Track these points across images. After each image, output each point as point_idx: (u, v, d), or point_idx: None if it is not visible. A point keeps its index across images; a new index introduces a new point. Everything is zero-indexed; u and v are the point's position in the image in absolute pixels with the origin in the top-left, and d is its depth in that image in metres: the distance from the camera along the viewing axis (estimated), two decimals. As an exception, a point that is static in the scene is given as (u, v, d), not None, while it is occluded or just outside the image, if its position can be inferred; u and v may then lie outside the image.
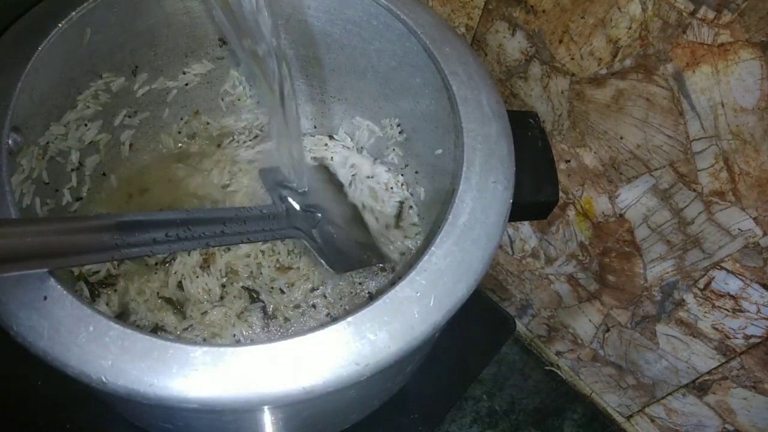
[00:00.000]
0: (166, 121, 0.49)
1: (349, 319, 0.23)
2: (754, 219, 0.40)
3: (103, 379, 0.21)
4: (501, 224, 0.28)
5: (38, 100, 0.33)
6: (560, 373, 0.65)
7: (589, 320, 0.58)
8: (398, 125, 0.48)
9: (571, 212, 0.52)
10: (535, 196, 0.32)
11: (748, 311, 0.44)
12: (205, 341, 0.38)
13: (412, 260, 0.27)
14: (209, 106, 0.51)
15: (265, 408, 0.25)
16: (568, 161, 0.49)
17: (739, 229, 0.42)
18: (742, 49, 0.35)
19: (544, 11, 0.44)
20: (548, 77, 0.47)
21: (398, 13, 0.38)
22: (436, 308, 0.24)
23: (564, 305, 0.60)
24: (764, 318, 0.44)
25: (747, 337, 0.46)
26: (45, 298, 0.22)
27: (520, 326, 0.66)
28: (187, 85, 0.48)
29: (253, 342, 0.23)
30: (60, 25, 0.33)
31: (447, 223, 0.27)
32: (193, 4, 0.43)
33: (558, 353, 0.65)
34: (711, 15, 0.36)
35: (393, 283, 0.25)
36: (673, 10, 0.37)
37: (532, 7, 0.44)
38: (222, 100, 0.51)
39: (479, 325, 0.57)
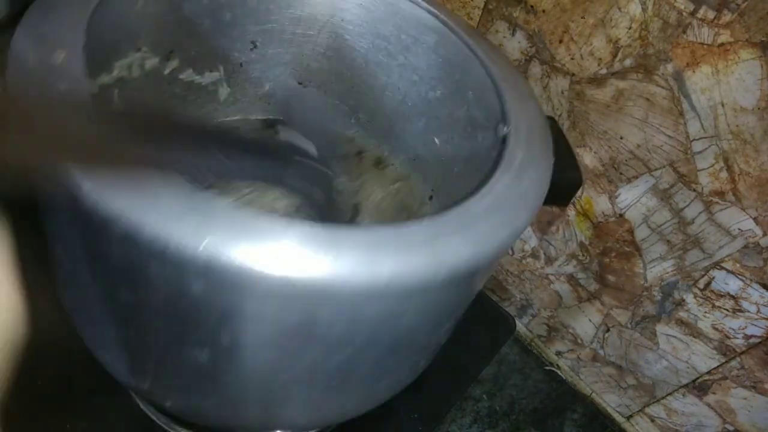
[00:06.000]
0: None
1: (425, 221, 0.23)
2: (754, 219, 0.40)
3: (184, 241, 0.19)
4: (549, 169, 0.30)
5: (91, 51, 0.32)
6: (560, 373, 0.65)
7: (589, 320, 0.58)
8: (408, 143, 0.48)
9: (571, 212, 0.52)
10: (560, 177, 0.34)
11: (748, 311, 0.44)
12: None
13: (470, 191, 0.28)
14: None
15: (326, 315, 0.24)
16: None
17: (739, 229, 0.42)
18: (742, 49, 0.35)
19: (544, 11, 0.44)
20: (548, 77, 0.47)
21: (434, 26, 0.39)
22: (501, 227, 0.25)
23: (564, 305, 0.60)
24: (764, 318, 0.44)
25: (747, 337, 0.46)
26: (125, 160, 0.21)
27: (520, 326, 0.66)
28: (211, 82, 0.47)
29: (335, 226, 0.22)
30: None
31: (503, 163, 0.28)
32: (237, 4, 0.42)
33: (558, 353, 0.65)
34: (711, 15, 0.36)
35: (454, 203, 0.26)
36: (673, 10, 0.37)
37: (532, 7, 0.44)
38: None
39: (479, 325, 0.57)
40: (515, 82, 0.35)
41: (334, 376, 0.28)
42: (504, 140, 0.31)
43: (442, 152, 0.44)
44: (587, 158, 0.48)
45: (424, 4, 0.39)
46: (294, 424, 0.35)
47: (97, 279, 0.25)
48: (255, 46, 0.46)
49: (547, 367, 0.66)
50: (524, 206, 0.27)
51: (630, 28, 0.40)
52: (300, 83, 0.49)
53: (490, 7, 0.47)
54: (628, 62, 0.41)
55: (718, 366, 0.49)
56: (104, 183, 0.20)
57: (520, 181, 0.28)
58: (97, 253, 0.23)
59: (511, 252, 0.61)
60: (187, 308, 0.22)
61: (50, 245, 0.27)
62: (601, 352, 0.59)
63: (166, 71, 0.43)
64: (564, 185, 0.37)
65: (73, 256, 0.25)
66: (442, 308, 0.29)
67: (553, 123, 0.41)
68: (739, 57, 0.36)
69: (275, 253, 0.20)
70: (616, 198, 0.48)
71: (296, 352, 0.25)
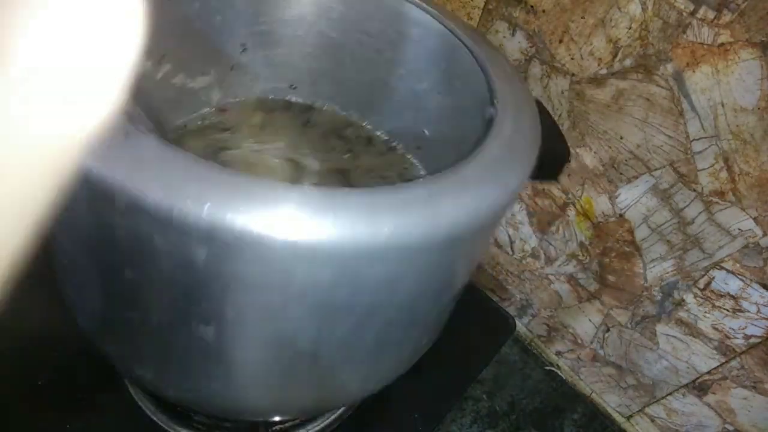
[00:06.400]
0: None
1: (421, 182, 0.24)
2: (754, 219, 0.40)
3: (187, 206, 0.20)
4: (537, 138, 0.31)
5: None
6: (560, 373, 0.65)
7: (589, 320, 0.58)
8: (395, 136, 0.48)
9: (571, 212, 0.52)
10: (547, 151, 0.34)
11: (748, 311, 0.44)
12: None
13: (463, 155, 0.29)
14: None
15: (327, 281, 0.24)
16: (568, 161, 0.49)
17: (739, 229, 0.42)
18: (742, 49, 0.35)
19: (544, 11, 0.44)
20: (548, 77, 0.47)
21: (417, 19, 0.39)
22: (495, 188, 0.26)
23: (564, 305, 0.60)
24: (764, 318, 0.44)
25: (747, 337, 0.46)
26: (126, 134, 0.21)
27: (520, 326, 0.66)
28: (202, 87, 0.47)
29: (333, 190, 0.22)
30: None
31: (493, 130, 0.29)
32: (227, 6, 0.43)
33: (558, 353, 0.65)
34: (711, 15, 0.36)
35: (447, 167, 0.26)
36: (673, 10, 0.37)
37: (532, 7, 0.44)
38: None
39: (479, 325, 0.57)
40: (500, 62, 0.36)
41: (337, 349, 0.28)
42: (493, 115, 0.32)
43: (432, 143, 0.44)
44: (587, 158, 0.48)
45: None
46: (298, 407, 0.35)
47: (101, 258, 0.25)
48: (245, 49, 0.46)
49: (547, 367, 0.66)
50: (516, 169, 0.28)
51: (630, 28, 0.40)
52: (290, 85, 0.50)
53: (490, 7, 0.47)
54: (628, 62, 0.41)
55: (718, 366, 0.49)
56: (105, 156, 0.20)
57: (510, 145, 0.29)
58: (101, 228, 0.23)
59: (511, 252, 0.61)
60: (192, 278, 0.23)
61: (50, 230, 0.27)
62: (601, 352, 0.59)
63: (159, 75, 0.43)
64: (552, 158, 0.38)
65: (75, 236, 0.25)
66: (442, 273, 0.29)
67: (538, 103, 0.42)
68: (739, 57, 0.36)
69: (276, 216, 0.20)
70: (616, 198, 0.48)
71: (300, 321, 0.25)
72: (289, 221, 0.20)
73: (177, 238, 0.21)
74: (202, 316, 0.25)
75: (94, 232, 0.24)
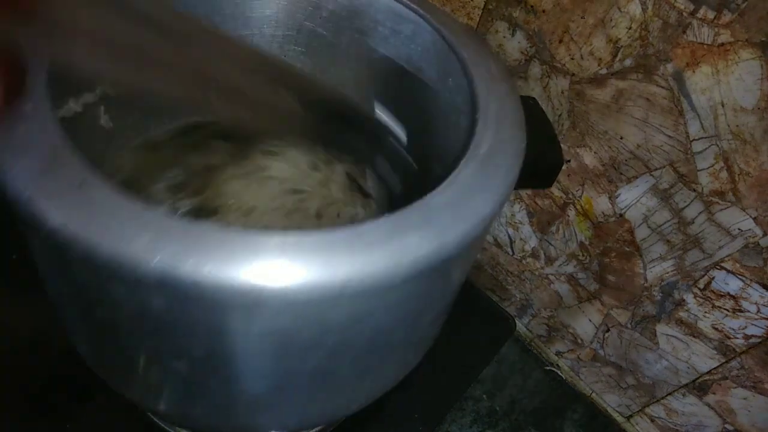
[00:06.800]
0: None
1: (383, 219, 0.23)
2: (754, 219, 0.40)
3: (137, 258, 0.19)
4: (520, 152, 0.29)
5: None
6: (560, 373, 0.65)
7: (589, 320, 0.58)
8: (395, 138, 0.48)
9: (571, 212, 0.52)
10: (541, 159, 0.33)
11: (748, 311, 0.44)
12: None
13: (435, 183, 0.27)
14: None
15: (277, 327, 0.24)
16: (568, 161, 0.49)
17: (739, 229, 0.42)
18: (742, 49, 0.35)
19: (544, 11, 0.44)
20: (548, 77, 0.47)
21: (408, 15, 0.39)
22: (464, 218, 0.25)
23: (564, 305, 0.60)
24: (764, 318, 0.44)
25: (747, 337, 0.46)
26: (80, 185, 0.21)
27: (520, 326, 0.66)
28: None
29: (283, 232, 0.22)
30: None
31: (469, 152, 0.28)
32: (213, 12, 0.43)
33: (558, 353, 0.65)
34: (711, 15, 0.36)
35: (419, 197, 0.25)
36: (673, 10, 0.37)
37: (532, 7, 0.44)
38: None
39: (479, 325, 0.57)
40: (486, 64, 0.34)
41: (315, 379, 0.28)
42: (472, 126, 0.30)
43: (431, 142, 0.44)
44: (587, 158, 0.48)
45: None
46: (285, 426, 0.35)
47: (72, 299, 0.26)
48: None
49: (547, 367, 0.66)
50: (490, 195, 0.26)
51: (630, 28, 0.40)
52: None
53: (490, 7, 0.47)
54: (628, 62, 0.41)
55: (718, 366, 0.49)
56: (61, 206, 0.21)
57: (486, 169, 0.27)
58: (65, 273, 0.24)
59: (511, 252, 0.62)
60: (155, 324, 0.23)
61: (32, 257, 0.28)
62: (601, 352, 0.59)
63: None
64: (545, 166, 0.37)
65: (48, 272, 0.26)
66: (416, 304, 0.28)
67: (534, 103, 0.41)
68: (739, 57, 0.36)
69: (227, 264, 0.20)
70: (616, 198, 0.48)
71: (267, 359, 0.25)
72: (241, 269, 0.20)
73: (132, 288, 0.21)
74: (172, 353, 0.25)
75: (61, 273, 0.24)
